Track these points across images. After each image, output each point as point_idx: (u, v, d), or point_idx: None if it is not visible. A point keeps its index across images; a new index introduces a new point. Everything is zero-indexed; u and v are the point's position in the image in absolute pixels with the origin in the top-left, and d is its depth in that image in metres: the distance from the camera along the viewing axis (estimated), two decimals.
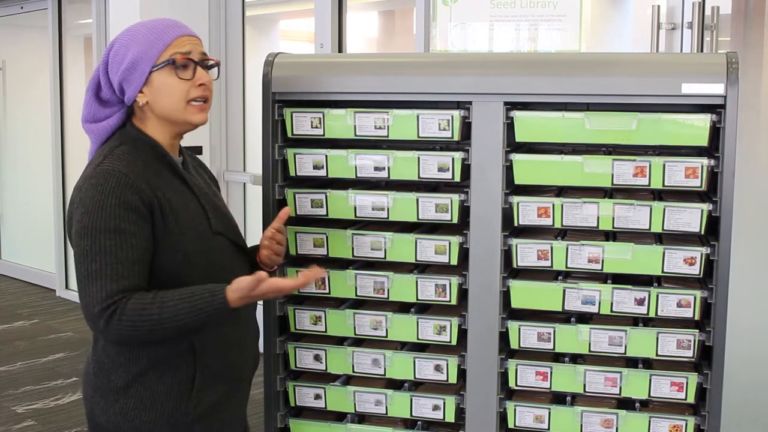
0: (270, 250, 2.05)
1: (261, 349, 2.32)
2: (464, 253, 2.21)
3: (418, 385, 2.34)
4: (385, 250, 2.25)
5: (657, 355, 2.12)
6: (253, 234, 2.20)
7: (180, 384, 1.83)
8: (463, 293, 2.22)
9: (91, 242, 1.71)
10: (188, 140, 2.01)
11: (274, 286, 1.79)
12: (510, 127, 2.14)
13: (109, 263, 1.69)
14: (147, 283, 1.76)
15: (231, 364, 1.91)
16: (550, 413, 2.20)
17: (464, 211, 2.20)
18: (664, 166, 2.05)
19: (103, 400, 1.84)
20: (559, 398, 2.24)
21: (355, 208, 2.26)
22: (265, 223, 2.33)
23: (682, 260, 2.07)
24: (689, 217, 2.05)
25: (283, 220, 2.08)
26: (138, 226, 1.73)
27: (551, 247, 2.14)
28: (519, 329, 2.19)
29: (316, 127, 2.27)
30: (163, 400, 1.81)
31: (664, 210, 2.07)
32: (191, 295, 1.72)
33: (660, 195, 2.18)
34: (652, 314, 2.11)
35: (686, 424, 2.12)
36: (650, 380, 2.13)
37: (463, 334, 2.23)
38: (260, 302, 2.23)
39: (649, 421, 2.14)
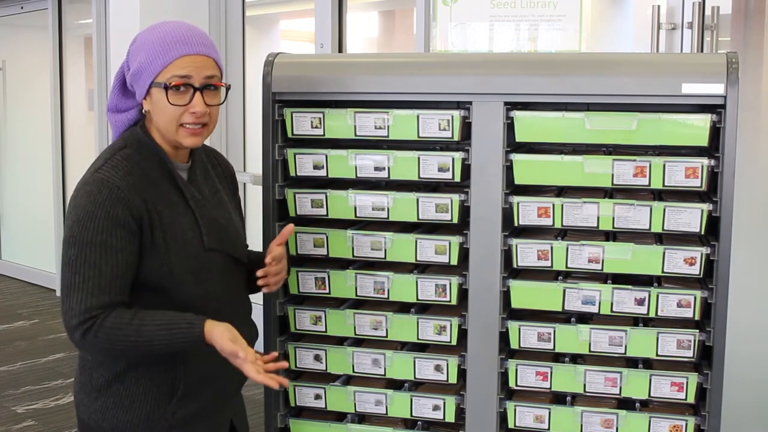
0: (269, 274, 1.98)
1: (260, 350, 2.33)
2: (464, 253, 2.21)
3: (418, 385, 2.33)
4: (385, 250, 2.25)
5: (657, 355, 2.12)
6: (253, 235, 2.18)
7: (159, 387, 1.82)
8: (463, 293, 2.22)
9: (77, 253, 1.71)
10: None
11: (243, 366, 1.73)
12: (510, 127, 2.14)
13: (91, 276, 1.70)
14: (130, 295, 1.76)
15: (215, 374, 1.88)
16: (550, 413, 2.20)
17: (464, 211, 2.20)
18: (664, 166, 2.05)
19: (86, 397, 1.85)
20: (559, 398, 2.24)
21: (355, 208, 2.26)
22: (266, 224, 2.33)
23: (682, 260, 2.07)
24: (689, 217, 2.05)
25: (285, 238, 2.01)
26: (125, 241, 1.73)
27: (551, 247, 2.14)
28: (519, 329, 2.19)
29: (316, 127, 2.27)
30: (141, 402, 1.81)
31: (664, 210, 2.07)
32: (169, 322, 1.72)
33: (660, 195, 2.18)
34: (652, 314, 2.11)
35: (686, 424, 2.12)
36: (650, 380, 2.13)
37: (463, 334, 2.23)
38: (260, 302, 2.24)
39: (649, 421, 2.13)
